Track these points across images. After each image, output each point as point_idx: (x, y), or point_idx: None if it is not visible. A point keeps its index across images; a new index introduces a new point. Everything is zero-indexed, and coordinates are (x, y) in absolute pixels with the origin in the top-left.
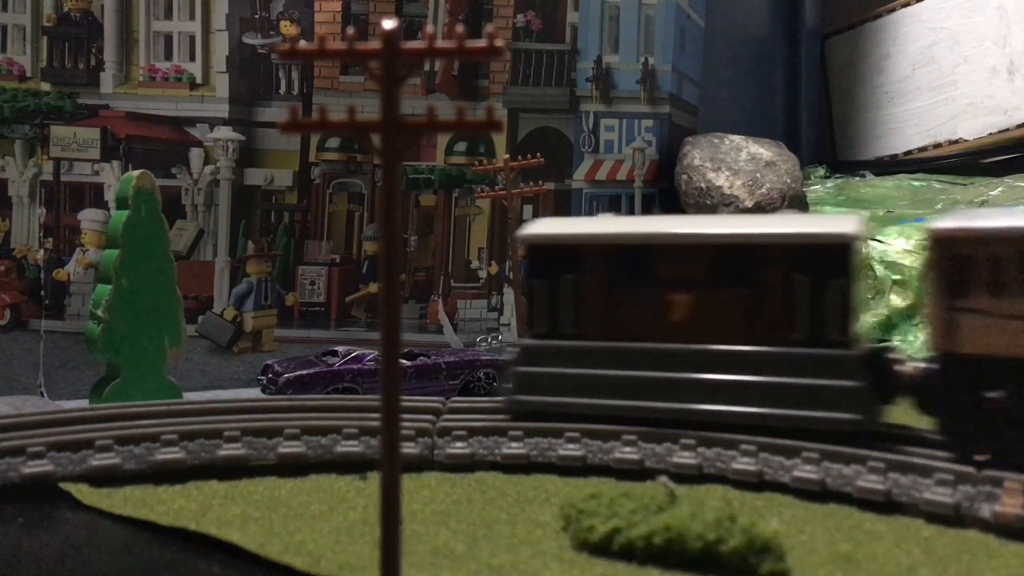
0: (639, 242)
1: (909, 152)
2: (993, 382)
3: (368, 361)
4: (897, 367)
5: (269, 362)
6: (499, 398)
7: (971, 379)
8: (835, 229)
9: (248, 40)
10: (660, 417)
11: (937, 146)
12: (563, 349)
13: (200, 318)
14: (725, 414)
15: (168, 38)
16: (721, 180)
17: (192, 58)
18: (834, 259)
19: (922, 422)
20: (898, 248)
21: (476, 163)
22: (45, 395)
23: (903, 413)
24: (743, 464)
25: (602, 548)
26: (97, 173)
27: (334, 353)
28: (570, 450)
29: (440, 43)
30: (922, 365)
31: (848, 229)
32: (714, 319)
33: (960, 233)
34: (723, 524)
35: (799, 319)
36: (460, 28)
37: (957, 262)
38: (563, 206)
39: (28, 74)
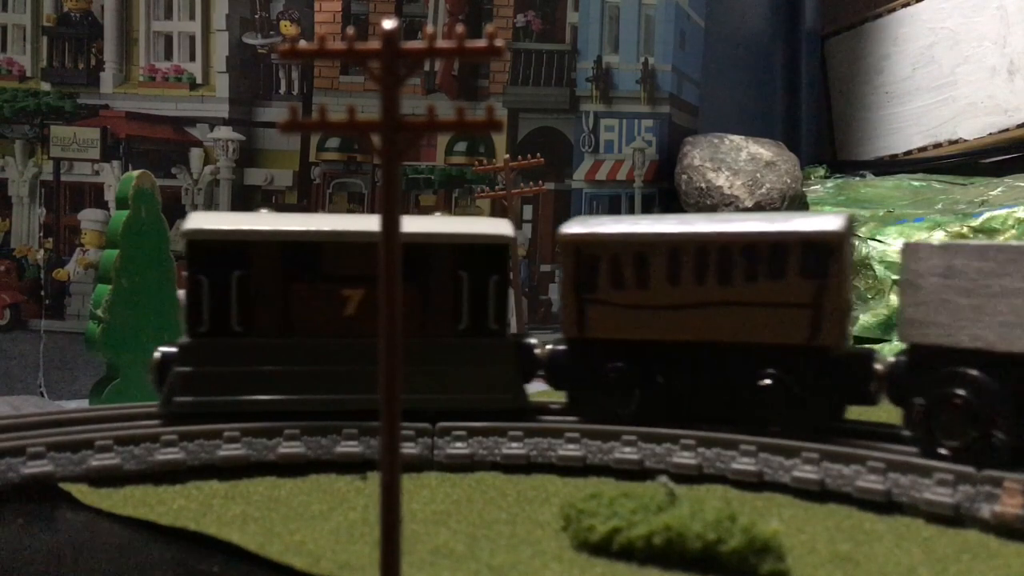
0: (312, 239)
1: (909, 152)
2: (614, 359)
3: None
4: (536, 351)
5: None
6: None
7: (596, 357)
8: (494, 231)
9: (248, 40)
10: (334, 409)
11: (937, 146)
12: (230, 347)
13: None
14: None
15: (168, 38)
16: (721, 180)
17: (192, 58)
18: (493, 258)
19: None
20: (898, 248)
21: (476, 163)
22: (45, 395)
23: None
24: (743, 464)
25: (602, 548)
26: (97, 173)
27: None
28: (570, 450)
29: (440, 43)
30: (553, 348)
31: (505, 231)
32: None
33: (587, 238)
34: (723, 524)
35: (463, 312)
36: (460, 28)
37: (585, 262)
38: (563, 206)
39: (28, 74)
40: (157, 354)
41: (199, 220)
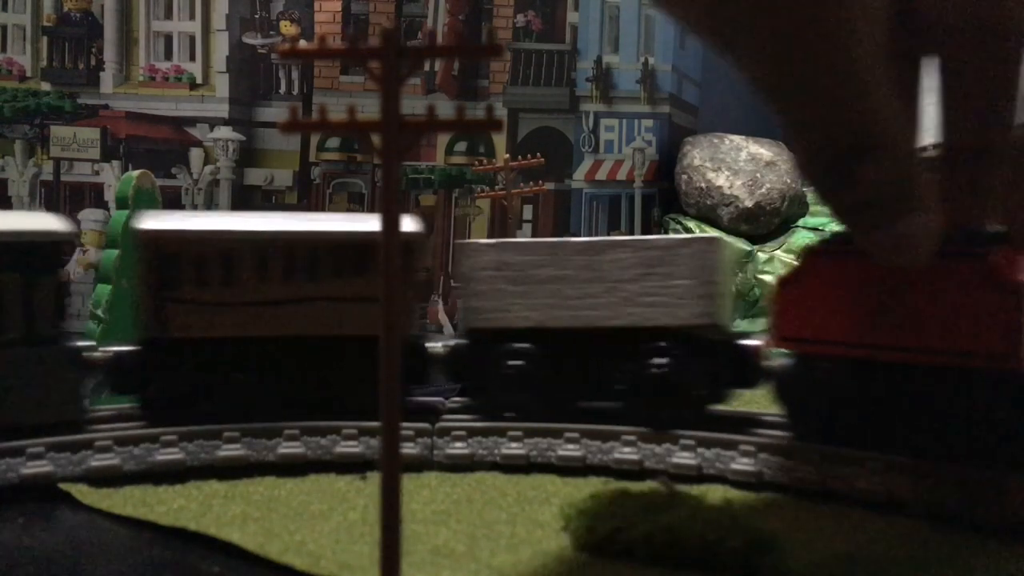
0: None
1: None
2: (195, 357)
3: None
4: (89, 355)
5: None
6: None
7: (174, 357)
8: (41, 226)
9: (248, 40)
10: None
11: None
12: None
13: None
14: None
15: (168, 38)
16: (721, 180)
17: (192, 58)
18: (42, 256)
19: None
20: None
21: (476, 163)
22: None
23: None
24: (742, 464)
25: (602, 548)
26: (97, 173)
27: None
28: (570, 450)
29: (440, 43)
30: (118, 351)
31: (55, 226)
32: None
33: (168, 234)
34: (723, 524)
35: (10, 318)
36: (460, 28)
37: (166, 259)
38: (563, 206)
39: (28, 74)
40: None
41: None
